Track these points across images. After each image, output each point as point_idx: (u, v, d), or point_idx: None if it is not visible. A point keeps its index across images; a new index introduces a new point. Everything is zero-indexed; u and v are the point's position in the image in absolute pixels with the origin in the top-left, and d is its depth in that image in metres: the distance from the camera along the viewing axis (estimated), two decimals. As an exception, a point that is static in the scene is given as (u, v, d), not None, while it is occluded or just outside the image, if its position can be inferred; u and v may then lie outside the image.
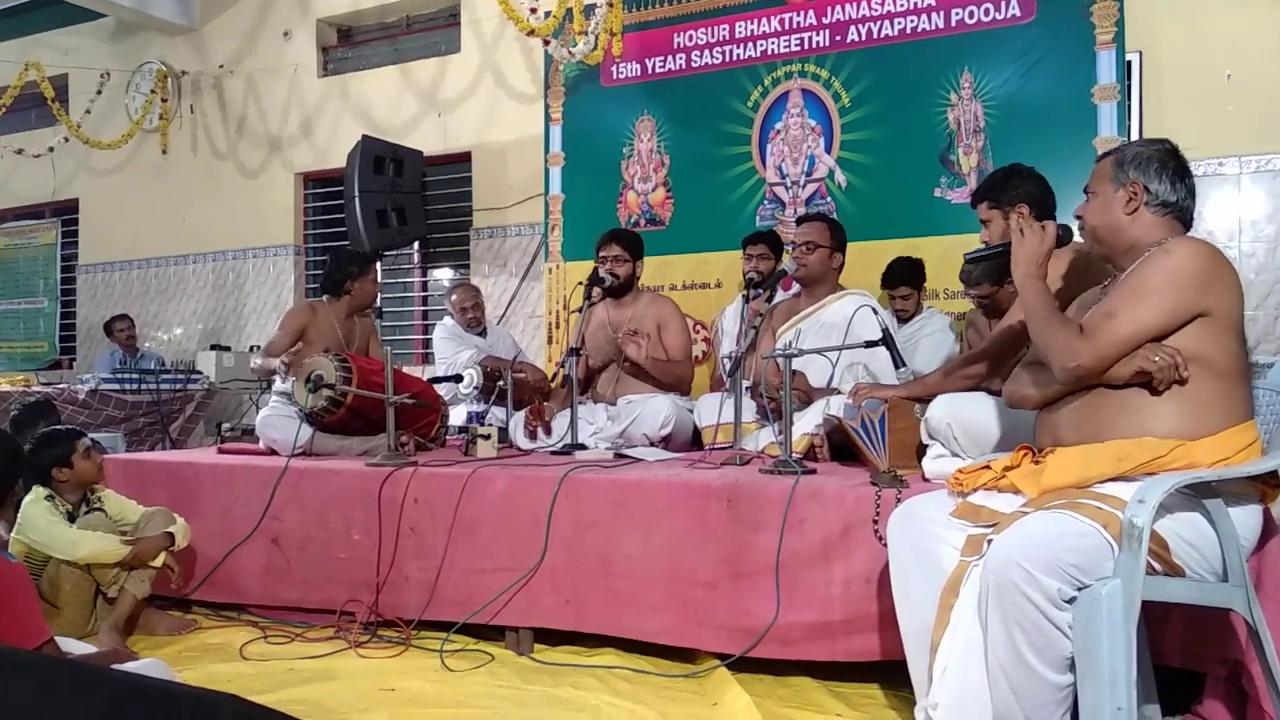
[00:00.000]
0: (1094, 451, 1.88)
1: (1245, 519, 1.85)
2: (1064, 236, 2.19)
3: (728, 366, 3.55)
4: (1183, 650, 2.17)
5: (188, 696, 1.28)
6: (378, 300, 4.18)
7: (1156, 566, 1.77)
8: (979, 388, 2.72)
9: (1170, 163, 2.02)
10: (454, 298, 5.15)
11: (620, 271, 4.00)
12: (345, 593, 3.16)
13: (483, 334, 5.06)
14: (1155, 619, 2.14)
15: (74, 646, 2.55)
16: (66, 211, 8.70)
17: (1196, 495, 1.79)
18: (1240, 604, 1.83)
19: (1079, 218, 2.12)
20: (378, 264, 4.18)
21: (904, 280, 4.38)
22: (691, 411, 3.80)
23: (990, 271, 3.81)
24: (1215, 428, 1.85)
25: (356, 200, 6.06)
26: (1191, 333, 1.85)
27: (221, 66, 7.82)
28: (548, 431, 3.77)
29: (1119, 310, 1.88)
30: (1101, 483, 1.84)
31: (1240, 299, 1.90)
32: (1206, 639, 2.12)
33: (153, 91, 7.90)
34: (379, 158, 6.17)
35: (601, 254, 4.06)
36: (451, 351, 4.82)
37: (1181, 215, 2.02)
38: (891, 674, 2.43)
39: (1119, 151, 2.09)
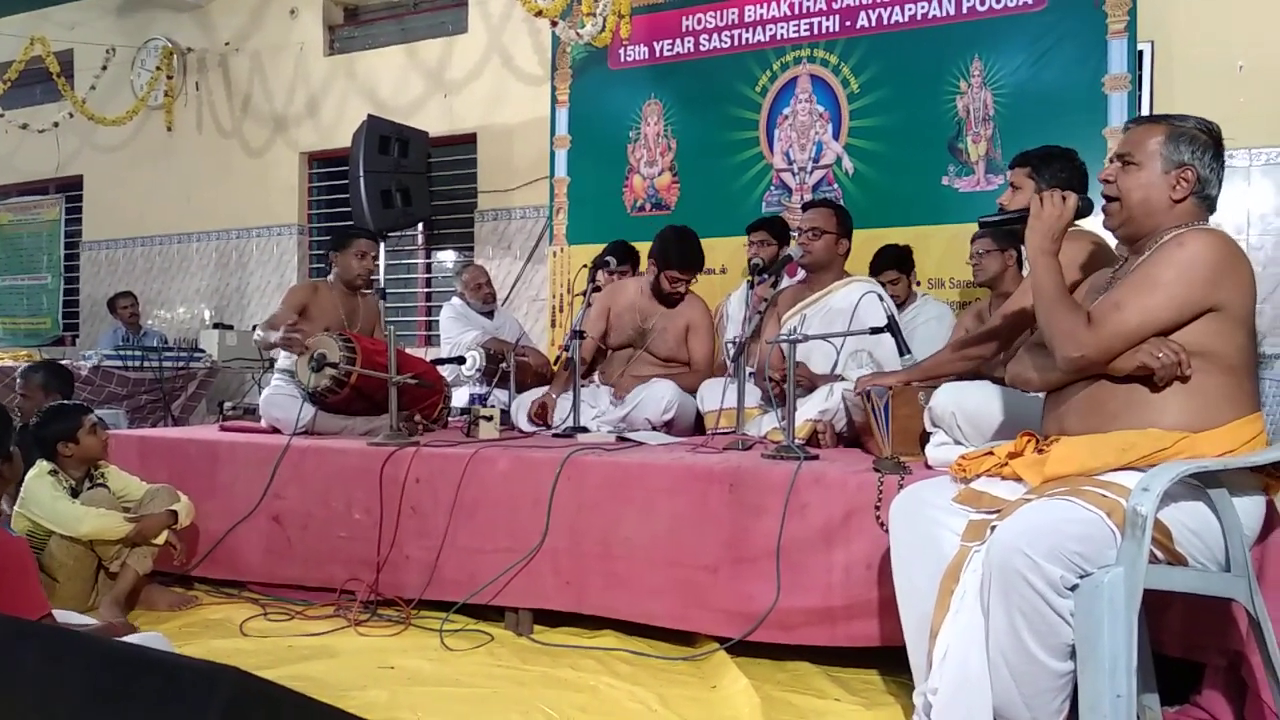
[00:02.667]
0: (1098, 442, 1.87)
1: (1249, 509, 1.84)
2: (1084, 209, 2.09)
3: (731, 352, 3.55)
4: (1183, 640, 2.17)
5: (189, 668, 1.28)
6: (368, 276, 4.13)
7: (1159, 555, 1.77)
8: (980, 372, 2.72)
9: (1218, 150, 1.95)
10: (466, 276, 5.13)
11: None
12: (346, 571, 3.16)
13: (489, 315, 5.05)
14: (1156, 608, 2.13)
15: (75, 620, 2.56)
16: (71, 188, 8.68)
17: (1201, 485, 1.78)
18: (1242, 594, 1.82)
19: (1108, 181, 2.00)
20: (363, 239, 4.13)
21: (891, 264, 4.38)
22: (694, 395, 3.80)
23: (997, 233, 3.78)
24: (1221, 420, 1.83)
25: (361, 180, 6.03)
26: (1200, 327, 1.82)
27: (227, 44, 7.78)
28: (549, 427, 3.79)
29: (1126, 302, 1.84)
30: (1105, 473, 1.83)
31: (1253, 293, 1.87)
32: (1207, 629, 2.12)
33: (158, 68, 7.87)
34: (384, 138, 6.15)
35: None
36: (457, 332, 4.81)
37: (1214, 205, 1.98)
38: (891, 660, 2.43)
39: (1170, 124, 1.96)
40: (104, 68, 7.95)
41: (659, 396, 3.71)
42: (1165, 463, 1.76)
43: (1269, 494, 1.89)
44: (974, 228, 4.24)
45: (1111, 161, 2.02)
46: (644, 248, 4.91)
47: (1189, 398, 1.84)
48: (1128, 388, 1.88)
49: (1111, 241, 2.32)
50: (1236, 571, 1.81)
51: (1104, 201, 2.03)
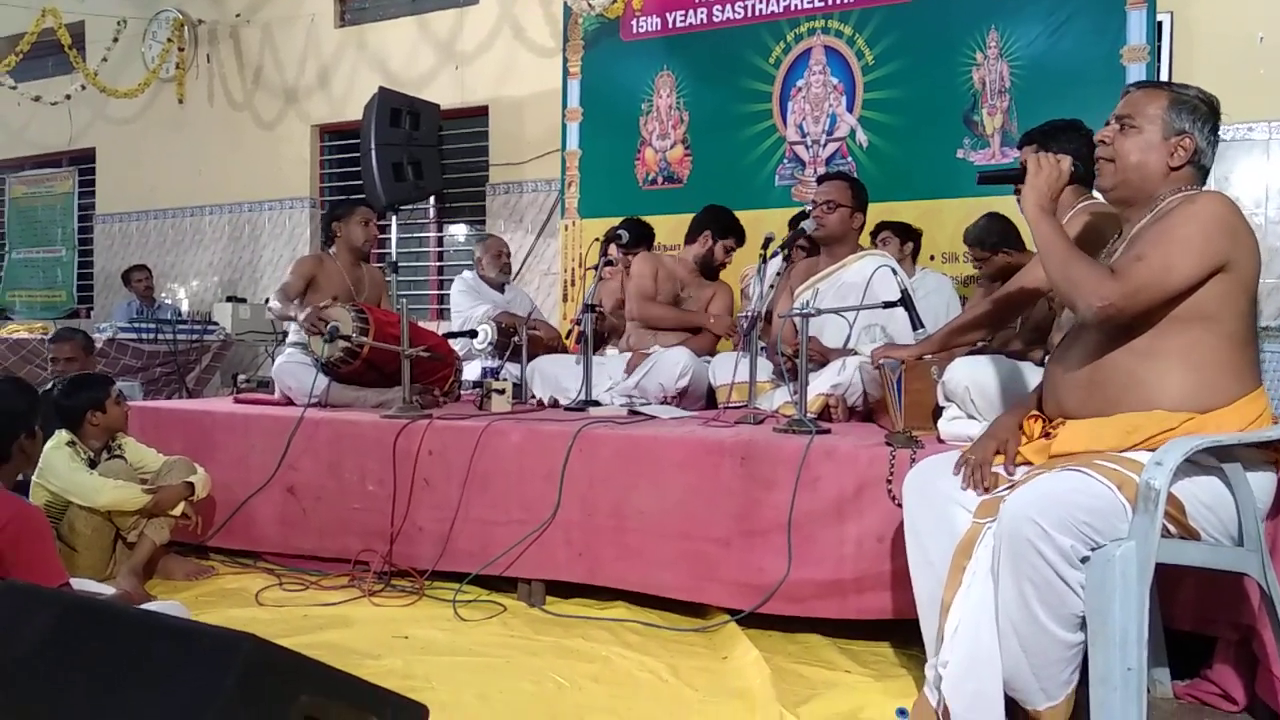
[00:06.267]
0: (1103, 425, 1.85)
1: (1262, 484, 1.83)
2: (1079, 172, 2.08)
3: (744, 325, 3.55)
4: (1194, 614, 2.17)
5: (207, 635, 1.30)
6: (373, 243, 4.18)
7: (1171, 529, 1.76)
8: (988, 345, 2.70)
9: (1216, 122, 1.94)
10: (488, 243, 5.13)
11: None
12: (359, 542, 3.19)
13: (501, 289, 5.06)
14: (1167, 582, 2.14)
15: (93, 588, 2.60)
16: (83, 160, 8.71)
17: (1215, 459, 1.77)
18: (1255, 569, 1.82)
19: (1104, 142, 1.97)
20: (364, 207, 4.16)
21: (885, 226, 4.42)
22: (709, 364, 3.80)
23: (984, 233, 3.81)
24: (1226, 399, 1.81)
25: (373, 153, 6.03)
26: (1209, 289, 1.80)
27: (238, 16, 7.76)
28: None
29: (1149, 254, 1.81)
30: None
31: (1258, 258, 1.85)
32: (1219, 604, 2.12)
33: (169, 40, 7.86)
34: (395, 110, 6.14)
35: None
36: (468, 305, 4.82)
37: (1206, 176, 1.97)
38: (901, 632, 2.44)
39: (1173, 91, 1.94)
40: (115, 40, 7.94)
41: (674, 362, 3.72)
42: (1179, 437, 1.75)
43: (1278, 470, 1.88)
44: (988, 201, 4.23)
45: (1110, 123, 1.99)
46: (656, 220, 4.91)
47: (1191, 374, 1.82)
48: (1127, 367, 1.86)
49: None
50: (1249, 546, 1.80)
51: (1098, 161, 2.00)
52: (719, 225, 4.23)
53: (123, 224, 8.49)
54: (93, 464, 3.13)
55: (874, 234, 4.45)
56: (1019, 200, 2.01)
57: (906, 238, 4.50)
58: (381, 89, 6.18)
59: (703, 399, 3.83)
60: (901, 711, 1.99)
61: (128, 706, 1.24)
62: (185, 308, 7.53)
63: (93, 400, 3.15)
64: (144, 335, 6.13)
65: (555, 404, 3.77)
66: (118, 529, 3.10)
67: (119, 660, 1.30)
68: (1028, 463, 1.95)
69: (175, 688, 1.25)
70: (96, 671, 1.29)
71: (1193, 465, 1.75)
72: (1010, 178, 2.09)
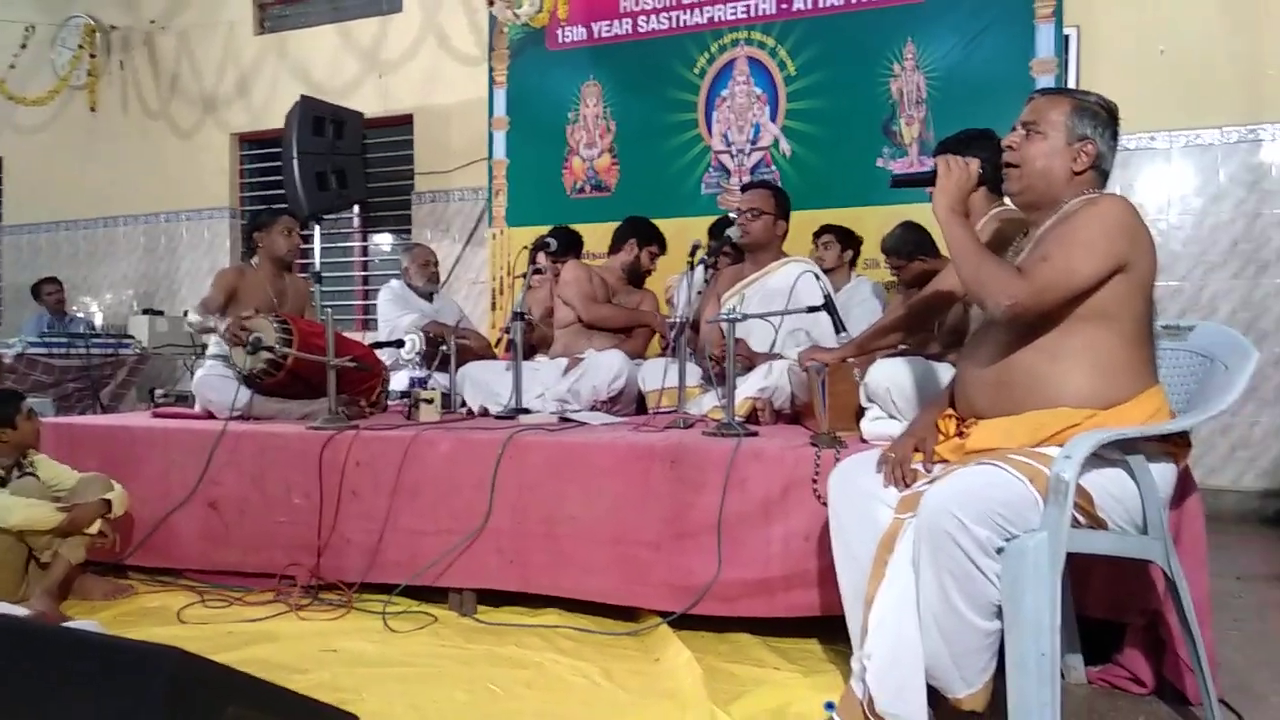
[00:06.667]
0: (1013, 423, 1.93)
1: (1163, 475, 1.92)
2: (987, 174, 2.15)
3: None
4: (1105, 602, 2.26)
5: (131, 649, 1.27)
6: (296, 253, 4.11)
7: (1081, 519, 1.84)
8: (905, 348, 2.79)
9: (1115, 128, 2.02)
10: (415, 253, 5.08)
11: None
12: (285, 556, 3.13)
13: (429, 298, 5.02)
14: (1079, 572, 2.22)
15: (4, 611, 2.50)
16: (-11, 170, 8.40)
17: (1119, 452, 1.85)
18: (1159, 556, 1.91)
19: (1011, 148, 2.05)
20: (286, 216, 4.10)
21: (831, 231, 4.51)
22: (640, 367, 3.84)
23: (900, 242, 3.92)
24: (1125, 394, 1.90)
25: (295, 162, 5.94)
26: (1108, 289, 1.87)
27: (153, 22, 7.57)
28: None
29: (1053, 254, 1.88)
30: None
31: (1155, 259, 1.94)
32: (1127, 591, 2.22)
33: (80, 47, 7.63)
34: (318, 119, 6.05)
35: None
36: (395, 314, 4.77)
37: (1107, 180, 2.06)
38: (828, 629, 2.48)
39: (1074, 98, 2.02)
40: (23, 46, 7.70)
41: (608, 365, 3.75)
42: (1085, 432, 1.83)
43: (1177, 462, 1.98)
44: (908, 209, 4.34)
45: (1015, 129, 2.07)
46: (584, 229, 4.93)
47: (1092, 373, 1.90)
48: (1032, 368, 1.93)
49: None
50: (1154, 534, 1.89)
51: (1005, 167, 2.08)
52: (643, 233, 4.33)
53: (32, 236, 8.20)
54: (3, 482, 3.02)
55: (816, 235, 4.55)
56: (931, 203, 2.07)
57: (848, 244, 4.57)
58: (304, 97, 6.09)
59: (633, 404, 3.86)
60: (829, 705, 2.03)
61: (48, 724, 1.22)
62: (99, 321, 7.29)
63: (1, 416, 3.04)
64: (55, 350, 5.93)
65: (485, 413, 3.75)
66: (30, 549, 3.00)
67: (41, 679, 1.26)
68: (945, 461, 2.02)
69: (101, 704, 1.22)
70: (18, 691, 1.26)
71: (1099, 458, 1.83)
72: (922, 180, 2.15)
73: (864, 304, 4.29)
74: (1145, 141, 4.97)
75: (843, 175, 5.03)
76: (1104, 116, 2.01)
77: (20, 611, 2.61)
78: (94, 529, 3.04)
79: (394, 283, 5.04)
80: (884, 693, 1.85)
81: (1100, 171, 2.02)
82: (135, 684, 1.25)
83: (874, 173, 4.96)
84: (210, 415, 3.67)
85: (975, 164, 2.07)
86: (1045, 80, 4.60)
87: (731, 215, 3.79)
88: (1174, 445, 1.95)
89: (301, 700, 1.45)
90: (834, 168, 5.06)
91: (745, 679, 2.34)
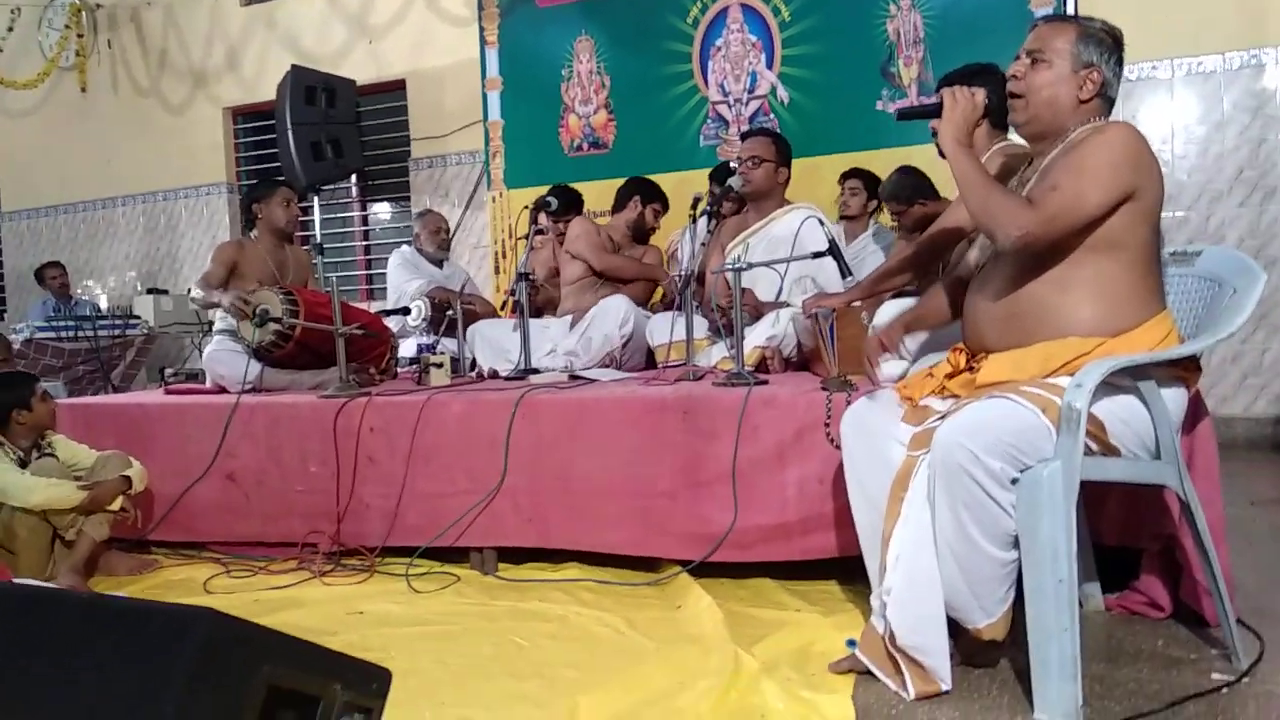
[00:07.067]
0: (1022, 355, 1.93)
1: (1175, 399, 1.93)
2: (992, 104, 2.11)
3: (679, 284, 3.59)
4: (1120, 529, 2.28)
5: (162, 612, 1.29)
6: (295, 224, 4.09)
7: (1094, 447, 1.85)
8: (916, 288, 2.78)
9: (1120, 54, 2.00)
10: (426, 219, 5.09)
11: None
12: (305, 525, 3.16)
13: (439, 264, 5.02)
14: (1094, 501, 2.24)
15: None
16: (-16, 157, 8.36)
17: (1130, 379, 1.86)
18: (1173, 480, 1.92)
19: (1016, 77, 2.02)
20: (284, 187, 4.07)
21: (857, 175, 4.50)
22: (648, 321, 3.85)
23: (899, 187, 3.90)
24: (1133, 322, 1.89)
25: (289, 134, 5.91)
26: (1119, 216, 1.87)
27: (138, -3, 7.49)
28: None
29: (1062, 183, 1.87)
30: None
31: (1162, 187, 1.93)
32: (1142, 517, 2.23)
33: (67, 27, 7.56)
34: (310, 88, 6.01)
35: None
36: (404, 279, 4.78)
37: (1112, 107, 2.04)
38: (846, 569, 2.52)
39: (1079, 24, 1.98)
40: (10, 29, 7.63)
41: (615, 309, 3.77)
42: (1095, 360, 1.83)
43: (1188, 386, 1.98)
44: (909, 151, 4.32)
45: (1020, 58, 2.04)
46: (584, 187, 4.92)
47: (1100, 301, 1.89)
48: (1041, 299, 1.93)
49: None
50: (1167, 459, 1.90)
51: (1010, 98, 2.05)
52: (645, 191, 4.35)
53: (31, 221, 8.19)
54: (23, 464, 3.06)
55: (843, 178, 4.55)
56: (936, 140, 2.05)
57: (874, 193, 4.54)
58: (294, 67, 6.04)
59: (642, 360, 3.87)
60: (851, 642, 2.06)
61: (91, 689, 1.24)
62: (104, 303, 7.30)
63: (17, 399, 3.07)
64: (63, 334, 5.95)
65: (495, 374, 3.77)
66: (55, 528, 3.03)
67: (76, 644, 1.29)
68: (955, 395, 2.02)
69: (136, 666, 1.24)
70: (54, 658, 1.28)
71: (1110, 386, 1.83)
72: (928, 113, 2.12)
73: (877, 254, 4.30)
74: (1147, 71, 4.91)
75: (842, 120, 4.98)
76: (1109, 43, 1.98)
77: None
78: (116, 506, 3.08)
79: (405, 248, 5.04)
80: (904, 626, 1.87)
81: (1106, 99, 2.00)
82: (169, 645, 1.26)
83: (873, 116, 4.91)
84: (222, 390, 3.69)
85: (981, 93, 2.04)
86: (1044, 13, 4.53)
87: (732, 164, 3.76)
88: (1184, 370, 1.95)
89: (335, 656, 1.48)
90: (833, 113, 5.02)
91: (767, 622, 2.37)
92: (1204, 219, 4.86)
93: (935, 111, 2.06)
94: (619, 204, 4.40)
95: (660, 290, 4.30)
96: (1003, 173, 2.37)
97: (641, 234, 4.38)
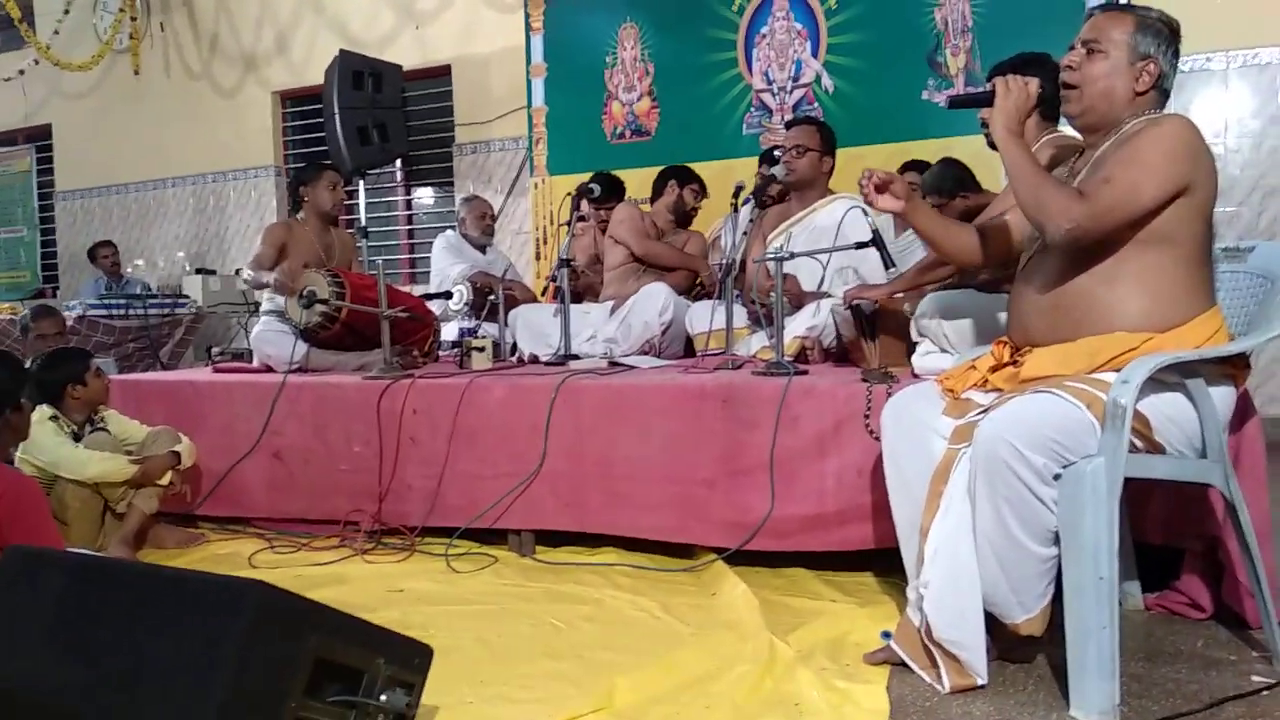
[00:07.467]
0: (1068, 350, 1.91)
1: (1223, 398, 1.90)
2: (1046, 94, 2.10)
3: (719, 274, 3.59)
4: (1163, 528, 2.26)
5: (215, 583, 1.34)
6: (341, 207, 4.15)
7: (1139, 444, 1.83)
8: (959, 281, 2.76)
9: (1178, 45, 1.97)
10: (473, 204, 5.14)
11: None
12: (349, 503, 3.22)
13: (483, 250, 5.07)
14: (1137, 499, 2.22)
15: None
16: (40, 137, 8.54)
17: (1177, 376, 1.84)
18: (1219, 479, 1.90)
19: (1071, 68, 1.99)
20: (331, 170, 4.13)
21: (915, 167, 4.45)
22: (688, 309, 3.86)
23: (941, 179, 3.85)
24: (1182, 318, 1.87)
25: (336, 118, 5.97)
26: (1172, 210, 1.84)
27: (191, -19, 7.60)
28: None
29: (1116, 176, 1.85)
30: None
31: (1216, 181, 1.90)
32: (1185, 517, 2.21)
33: (121, 10, 7.68)
34: (357, 73, 6.07)
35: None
36: (447, 263, 4.84)
37: (1168, 99, 2.01)
38: (883, 561, 2.52)
39: (1137, 15, 1.95)
40: (66, 11, 7.76)
41: (655, 295, 3.79)
42: (1142, 356, 1.81)
43: (1237, 385, 1.96)
44: (954, 142, 4.27)
45: (1075, 48, 2.01)
46: (626, 174, 4.92)
47: (1148, 296, 1.87)
48: (1088, 292, 1.91)
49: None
50: (1213, 458, 1.88)
51: (1064, 88, 2.02)
52: (680, 174, 4.39)
53: (84, 200, 8.37)
54: (77, 438, 3.14)
55: (902, 170, 4.50)
56: (985, 129, 2.03)
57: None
58: (342, 52, 6.10)
59: (681, 349, 3.89)
60: (886, 634, 2.06)
61: (149, 654, 1.28)
62: (154, 282, 7.45)
63: (72, 374, 3.15)
64: (114, 312, 6.08)
65: (535, 360, 3.80)
66: (106, 501, 3.12)
67: (135, 611, 1.33)
68: (998, 389, 2.01)
69: (189, 635, 1.29)
70: (114, 623, 1.33)
71: (1157, 382, 1.82)
72: (980, 101, 2.10)
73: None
74: (1201, 62, 4.81)
75: (887, 109, 4.94)
76: (1166, 34, 1.95)
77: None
78: (165, 480, 3.16)
79: (449, 233, 5.10)
80: (941, 620, 1.87)
81: (1162, 91, 1.97)
82: (222, 615, 1.31)
83: (919, 106, 4.86)
84: (269, 369, 3.76)
85: (1035, 83, 2.02)
86: (1100, 2, 4.45)
87: (776, 153, 3.75)
88: (1233, 368, 1.93)
89: (379, 631, 1.52)
90: (878, 102, 4.97)
91: (802, 611, 2.38)
92: (1256, 214, 4.75)
93: (987, 100, 2.04)
94: (656, 191, 4.45)
95: (701, 279, 4.29)
96: (1051, 164, 2.35)
97: (683, 216, 4.40)
